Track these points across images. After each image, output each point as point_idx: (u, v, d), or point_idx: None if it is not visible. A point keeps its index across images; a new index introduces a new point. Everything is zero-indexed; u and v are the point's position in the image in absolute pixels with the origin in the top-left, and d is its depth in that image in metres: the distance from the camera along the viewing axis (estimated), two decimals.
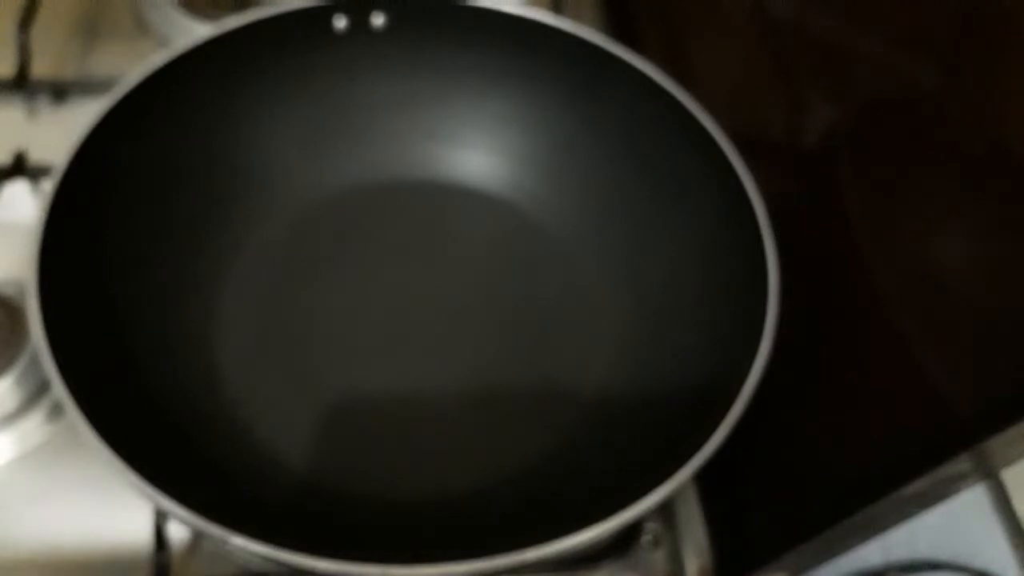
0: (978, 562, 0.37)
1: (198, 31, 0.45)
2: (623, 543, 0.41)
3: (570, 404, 0.42)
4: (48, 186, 0.37)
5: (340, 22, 0.45)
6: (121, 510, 0.40)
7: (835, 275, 0.37)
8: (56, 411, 0.42)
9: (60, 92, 0.52)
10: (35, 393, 0.42)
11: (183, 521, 0.30)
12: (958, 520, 0.35)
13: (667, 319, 0.43)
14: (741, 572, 0.40)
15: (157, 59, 0.41)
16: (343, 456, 0.41)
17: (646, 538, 0.41)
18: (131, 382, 0.37)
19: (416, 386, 0.43)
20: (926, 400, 0.31)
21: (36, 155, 0.47)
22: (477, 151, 0.49)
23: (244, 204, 0.46)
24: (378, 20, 0.46)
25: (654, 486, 0.31)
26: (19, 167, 0.47)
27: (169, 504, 0.30)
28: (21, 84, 0.51)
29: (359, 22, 0.46)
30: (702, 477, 0.36)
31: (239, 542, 0.30)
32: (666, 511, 0.42)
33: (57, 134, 0.39)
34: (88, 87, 0.52)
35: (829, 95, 0.38)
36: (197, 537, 0.39)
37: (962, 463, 0.29)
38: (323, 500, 0.39)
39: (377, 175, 0.49)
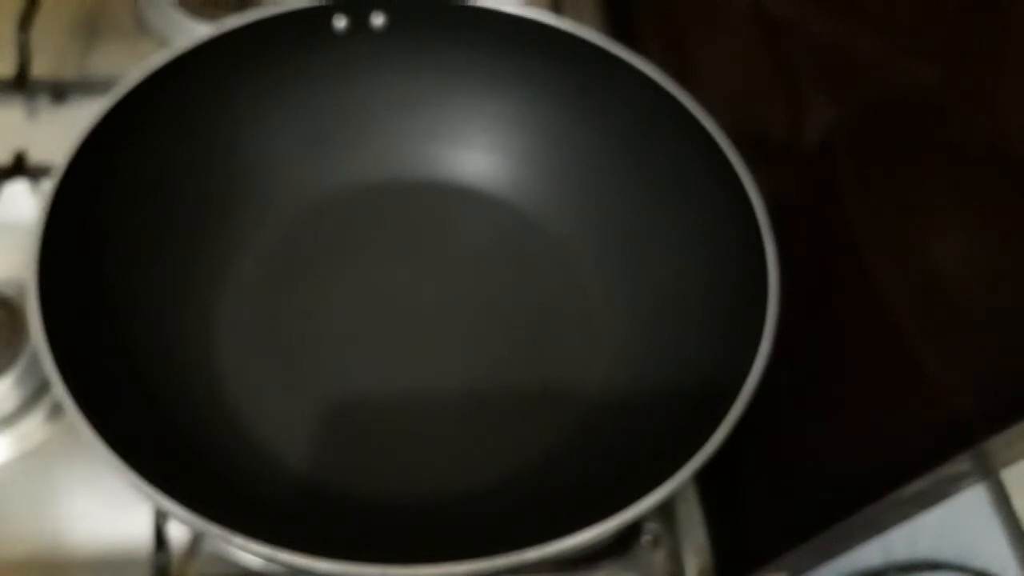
0: (978, 562, 0.37)
1: (198, 31, 0.45)
2: (623, 543, 0.41)
3: (570, 404, 0.42)
4: (48, 186, 0.37)
5: (340, 22, 0.45)
6: (121, 510, 0.40)
7: (835, 275, 0.37)
8: (56, 411, 0.42)
9: (60, 92, 0.52)
10: (35, 393, 0.42)
11: (183, 521, 0.30)
12: (958, 520, 0.35)
13: (667, 319, 0.43)
14: (741, 572, 0.40)
15: (157, 59, 0.41)
16: (343, 456, 0.41)
17: (646, 538, 0.41)
18: (131, 382, 0.37)
19: (416, 386, 0.43)
20: (926, 400, 0.31)
21: (36, 155, 0.47)
22: (477, 151, 0.49)
23: (244, 204, 0.46)
24: (378, 20, 0.46)
25: (654, 486, 0.31)
26: (19, 167, 0.47)
27: (169, 504, 0.30)
28: (21, 84, 0.51)
29: (359, 22, 0.46)
30: (702, 477, 0.36)
31: (239, 542, 0.30)
32: (666, 511, 0.42)
33: (57, 134, 0.39)
34: (88, 87, 0.52)
35: (829, 95, 0.38)
36: (197, 537, 0.39)
37: (962, 463, 0.29)
38: (323, 500, 0.39)
39: (377, 175, 0.49)
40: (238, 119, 0.45)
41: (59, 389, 0.32)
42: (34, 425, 0.42)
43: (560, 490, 0.39)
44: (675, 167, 0.43)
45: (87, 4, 0.57)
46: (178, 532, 0.39)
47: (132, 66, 0.40)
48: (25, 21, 0.51)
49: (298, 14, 0.44)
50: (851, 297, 0.36)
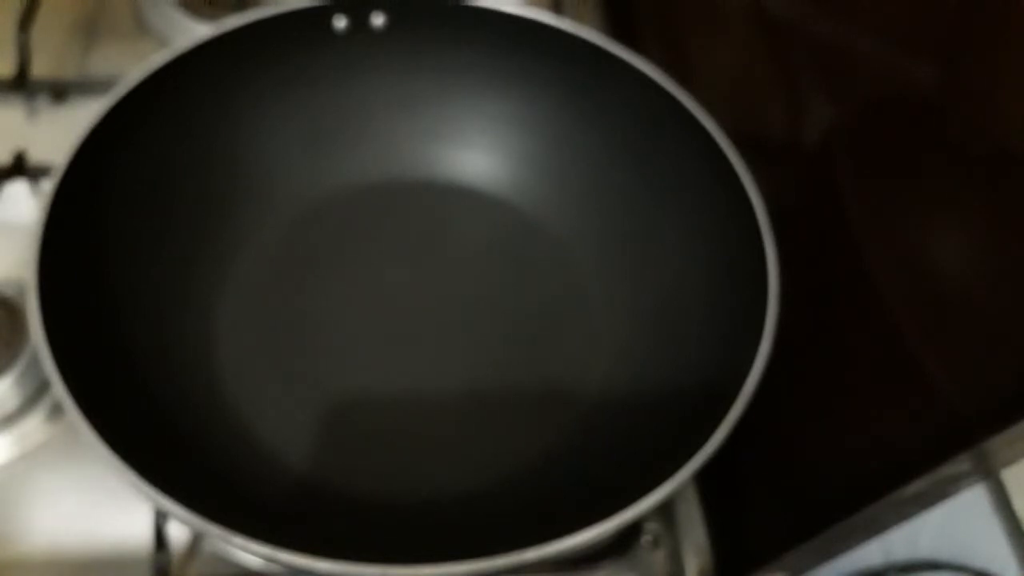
0: (978, 562, 0.37)
1: (198, 31, 0.45)
2: (623, 543, 0.41)
3: (570, 404, 0.42)
4: (48, 186, 0.37)
5: (340, 22, 0.45)
6: (121, 510, 0.40)
7: (835, 275, 0.37)
8: (56, 411, 0.42)
9: (60, 92, 0.52)
10: (35, 393, 0.42)
11: (183, 521, 0.30)
12: (958, 520, 0.35)
13: (667, 319, 0.43)
14: (741, 572, 0.40)
15: (157, 59, 0.41)
16: (343, 456, 0.41)
17: (646, 538, 0.41)
18: (131, 382, 0.37)
19: (416, 386, 0.43)
20: (926, 400, 0.31)
21: (36, 155, 0.47)
22: (477, 151, 0.49)
23: (244, 204, 0.46)
24: (378, 20, 0.46)
25: (654, 486, 0.31)
26: (19, 167, 0.47)
27: (169, 504, 0.30)
28: (21, 84, 0.51)
29: (359, 22, 0.46)
30: (702, 477, 0.36)
31: (239, 542, 0.30)
32: (666, 511, 0.42)
33: (57, 134, 0.39)
34: (88, 87, 0.52)
35: (829, 95, 0.38)
36: (197, 537, 0.39)
37: (962, 463, 0.29)
38: (323, 500, 0.39)
39: (377, 175, 0.49)
40: (238, 119, 0.45)
41: (59, 389, 0.32)
42: (34, 425, 0.42)
43: (560, 490, 0.39)
44: (675, 167, 0.43)
45: (87, 4, 0.57)
46: (178, 532, 0.39)
47: (132, 66, 0.40)
48: (25, 21, 0.51)
49: (298, 14, 0.44)
50: (851, 297, 0.36)
